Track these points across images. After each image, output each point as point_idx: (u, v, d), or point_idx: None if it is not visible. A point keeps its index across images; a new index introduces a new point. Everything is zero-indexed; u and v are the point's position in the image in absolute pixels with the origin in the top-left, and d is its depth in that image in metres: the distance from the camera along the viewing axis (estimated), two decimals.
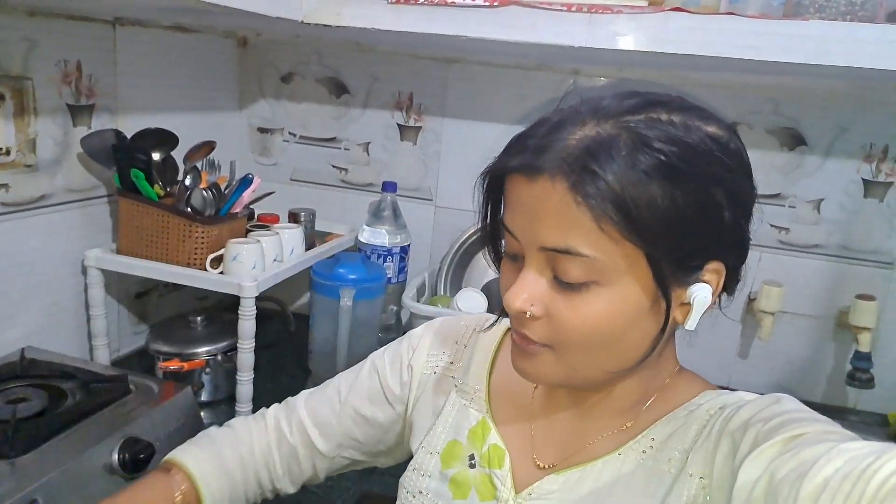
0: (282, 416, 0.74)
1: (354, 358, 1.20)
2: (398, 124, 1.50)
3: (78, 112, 1.14)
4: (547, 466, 0.58)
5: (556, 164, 0.46)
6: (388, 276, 1.39)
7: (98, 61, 1.16)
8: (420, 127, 1.49)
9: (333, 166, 1.57)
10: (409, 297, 1.29)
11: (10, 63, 1.00)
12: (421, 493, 0.63)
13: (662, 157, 0.45)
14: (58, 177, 1.12)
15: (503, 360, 0.66)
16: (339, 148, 1.56)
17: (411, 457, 0.68)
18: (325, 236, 1.45)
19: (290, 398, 0.77)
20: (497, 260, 0.58)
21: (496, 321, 0.66)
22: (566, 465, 0.57)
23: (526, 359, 0.54)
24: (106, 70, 1.18)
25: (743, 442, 0.47)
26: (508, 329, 0.66)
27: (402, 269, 1.44)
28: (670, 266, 0.48)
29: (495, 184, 0.54)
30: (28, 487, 0.73)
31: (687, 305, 0.51)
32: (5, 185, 1.02)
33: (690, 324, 0.51)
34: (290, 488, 0.74)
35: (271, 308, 1.47)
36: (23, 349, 1.04)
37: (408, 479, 0.65)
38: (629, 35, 0.97)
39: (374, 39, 1.40)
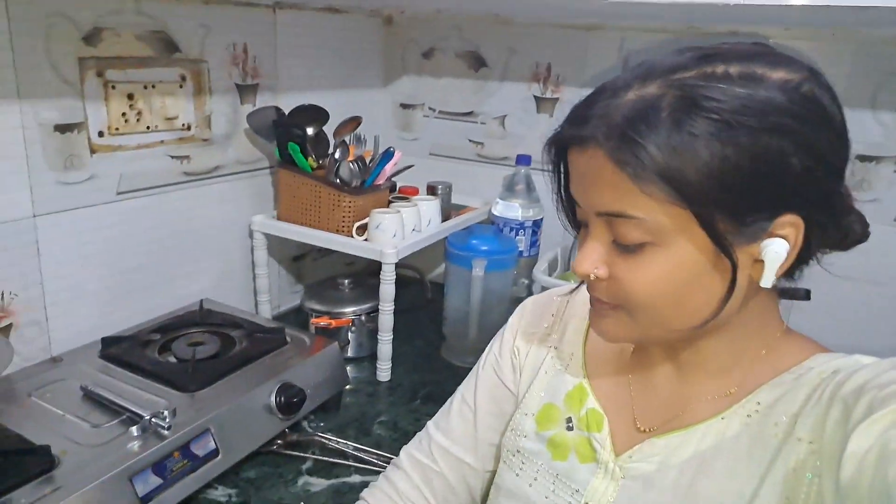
0: (416, 452, 0.74)
1: (486, 326, 1.26)
2: (535, 96, 1.50)
3: (244, 91, 1.27)
4: (647, 430, 0.58)
5: (597, 133, 0.48)
6: (520, 249, 1.41)
7: (261, 44, 1.28)
8: (557, 98, 1.48)
9: (470, 140, 1.61)
10: (540, 271, 1.29)
11: (189, 48, 1.14)
12: (519, 451, 0.65)
13: (712, 116, 0.44)
14: (229, 150, 1.26)
15: None
16: (476, 122, 1.59)
17: None
18: (460, 209, 1.49)
19: (417, 434, 0.77)
20: (576, 226, 0.59)
21: (578, 286, 0.67)
22: (667, 428, 0.57)
23: (600, 318, 0.56)
24: (268, 52, 1.30)
25: (856, 408, 0.44)
26: None
27: (533, 243, 1.45)
28: (728, 223, 0.47)
29: (559, 155, 0.55)
30: (203, 417, 0.86)
31: (761, 262, 0.49)
32: (187, 157, 1.17)
33: (765, 281, 0.49)
34: None
35: (411, 276, 1.55)
36: (201, 301, 1.19)
37: (507, 439, 0.68)
38: None
39: (513, 10, 1.40)
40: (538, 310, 0.73)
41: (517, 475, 0.64)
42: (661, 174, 0.45)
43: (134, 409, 0.83)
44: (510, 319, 0.75)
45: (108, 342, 1.02)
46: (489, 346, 0.76)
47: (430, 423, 0.76)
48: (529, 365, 0.70)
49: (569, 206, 0.57)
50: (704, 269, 0.49)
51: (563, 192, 0.57)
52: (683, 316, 0.52)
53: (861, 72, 1.21)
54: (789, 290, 0.59)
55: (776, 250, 0.48)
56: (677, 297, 0.50)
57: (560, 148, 0.54)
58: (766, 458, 0.51)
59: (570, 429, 0.62)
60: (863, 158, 1.25)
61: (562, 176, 0.56)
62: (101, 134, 1.03)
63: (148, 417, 0.81)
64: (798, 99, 0.46)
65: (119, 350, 1.00)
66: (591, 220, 0.52)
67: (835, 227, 0.51)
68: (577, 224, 0.57)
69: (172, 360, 1.00)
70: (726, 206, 0.46)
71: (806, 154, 0.46)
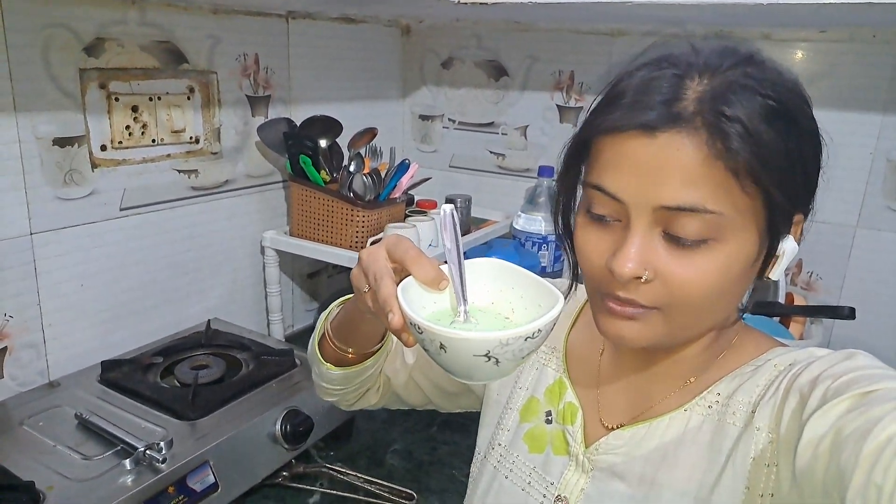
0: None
1: None
2: (557, 105, 1.44)
3: (256, 103, 1.22)
4: (614, 427, 0.59)
5: (682, 117, 0.45)
6: (543, 264, 1.34)
7: (273, 54, 1.23)
8: (581, 107, 1.41)
9: (491, 152, 1.54)
10: (564, 287, 1.23)
11: (198, 58, 1.09)
12: (500, 444, 0.65)
13: (773, 103, 0.45)
14: (239, 163, 1.21)
15: (583, 322, 0.67)
16: (497, 133, 1.53)
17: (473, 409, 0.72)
18: (480, 223, 1.43)
19: None
20: (567, 231, 0.56)
21: (569, 294, 0.63)
22: (633, 422, 0.58)
23: (624, 323, 0.51)
24: (280, 62, 1.25)
25: (811, 397, 0.46)
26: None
27: (557, 258, 1.38)
28: (781, 215, 0.48)
29: (584, 147, 0.52)
30: (202, 449, 0.80)
31: (774, 256, 0.51)
32: (195, 171, 1.13)
33: (777, 274, 0.51)
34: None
35: None
36: (209, 321, 1.14)
37: (489, 433, 0.68)
38: None
39: (534, 16, 1.34)
40: None
41: (494, 467, 0.65)
42: (756, 153, 0.44)
43: (128, 440, 0.77)
44: None
45: (107, 366, 0.97)
46: None
47: None
48: None
49: (568, 205, 0.56)
50: (750, 262, 0.49)
51: (568, 185, 0.54)
52: (721, 312, 0.52)
53: None
54: (834, 308, 0.64)
55: (793, 246, 0.50)
56: (725, 292, 0.50)
57: (588, 139, 0.51)
58: (727, 447, 0.52)
59: (548, 422, 0.63)
60: None
61: (573, 172, 0.54)
62: (103, 148, 0.99)
63: (142, 449, 0.75)
64: (808, 103, 0.49)
65: (119, 374, 0.95)
66: (639, 215, 0.48)
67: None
68: (569, 229, 0.56)
69: (175, 384, 0.95)
70: (787, 196, 0.47)
71: (817, 156, 0.50)
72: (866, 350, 0.50)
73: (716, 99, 0.45)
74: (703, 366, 0.57)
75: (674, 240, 0.47)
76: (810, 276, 1.28)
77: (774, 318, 1.12)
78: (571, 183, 0.54)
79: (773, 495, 0.48)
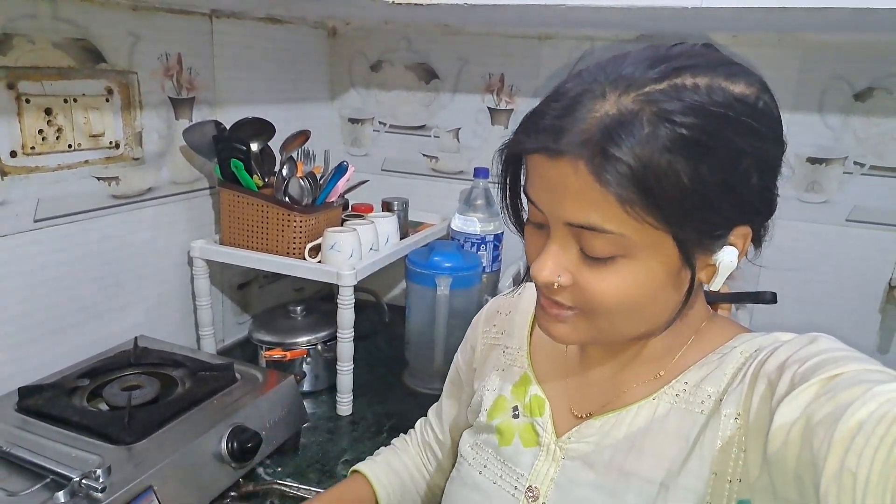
0: (422, 423, 0.87)
1: (452, 347, 1.17)
2: (489, 108, 1.45)
3: (179, 105, 1.16)
4: (584, 416, 0.61)
5: (575, 147, 0.46)
6: (483, 264, 1.34)
7: (197, 54, 1.17)
8: (512, 110, 1.44)
9: (424, 155, 1.54)
10: (505, 286, 1.24)
11: (116, 58, 1.02)
12: (477, 444, 0.68)
13: (685, 132, 0.44)
14: (163, 169, 1.14)
15: None
16: (430, 136, 1.53)
17: None
18: (417, 226, 1.42)
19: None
20: (519, 226, 0.59)
21: (519, 287, 0.71)
22: (603, 412, 0.59)
23: (555, 324, 0.55)
24: (205, 63, 1.19)
25: (780, 383, 0.47)
26: None
27: (495, 258, 1.39)
28: (695, 237, 0.49)
29: (515, 157, 0.54)
30: (144, 474, 0.74)
31: (713, 266, 0.52)
32: (115, 178, 1.05)
33: (715, 285, 0.52)
34: (442, 481, 0.78)
35: (365, 299, 1.46)
36: (136, 338, 1.07)
37: (466, 435, 0.71)
38: None
39: (464, 19, 1.35)
40: (493, 308, 0.77)
41: (470, 464, 0.67)
42: (643, 190, 0.45)
43: (60, 471, 0.70)
44: (473, 320, 0.80)
45: (26, 392, 0.88)
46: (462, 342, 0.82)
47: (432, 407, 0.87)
48: (483, 365, 0.74)
49: (515, 205, 0.57)
50: (668, 279, 0.50)
51: (509, 192, 0.56)
52: (643, 323, 0.53)
53: (807, 76, 1.22)
54: (757, 294, 0.67)
55: (731, 259, 0.51)
56: (640, 305, 0.51)
57: (516, 153, 0.53)
58: (693, 433, 0.53)
59: (515, 416, 0.65)
60: (812, 161, 1.26)
61: (509, 177, 0.56)
62: (13, 154, 0.90)
63: (77, 479, 0.69)
64: (759, 115, 0.48)
65: (40, 400, 0.86)
66: (556, 227, 0.51)
67: (767, 231, 0.55)
68: (521, 223, 0.58)
69: (105, 408, 0.88)
70: (698, 222, 0.48)
71: (764, 170, 0.49)
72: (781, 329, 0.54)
73: (606, 132, 0.45)
74: (669, 353, 0.58)
75: (586, 254, 0.50)
76: None
77: None
78: (504, 184, 0.57)
79: (741, 480, 0.49)
